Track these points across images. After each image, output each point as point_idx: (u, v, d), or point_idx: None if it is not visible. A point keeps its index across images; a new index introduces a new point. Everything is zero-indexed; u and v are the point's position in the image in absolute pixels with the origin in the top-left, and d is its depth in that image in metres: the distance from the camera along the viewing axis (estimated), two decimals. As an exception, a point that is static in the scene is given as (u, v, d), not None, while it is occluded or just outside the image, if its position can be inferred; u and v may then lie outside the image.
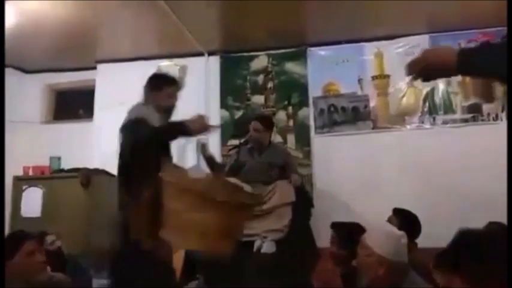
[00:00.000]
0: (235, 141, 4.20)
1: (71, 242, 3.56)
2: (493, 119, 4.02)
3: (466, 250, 1.23)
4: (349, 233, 2.48)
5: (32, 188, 4.15)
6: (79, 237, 3.75)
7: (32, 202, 4.08)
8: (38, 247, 1.95)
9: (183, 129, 2.22)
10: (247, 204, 2.02)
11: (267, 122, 3.63)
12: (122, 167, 2.32)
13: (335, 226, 2.86)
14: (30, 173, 4.35)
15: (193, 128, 2.21)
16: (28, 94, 4.79)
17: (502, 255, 1.18)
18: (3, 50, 3.11)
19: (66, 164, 4.41)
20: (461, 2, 3.64)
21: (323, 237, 3.07)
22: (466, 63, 1.19)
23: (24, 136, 4.64)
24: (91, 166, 4.14)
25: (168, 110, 2.39)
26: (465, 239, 1.28)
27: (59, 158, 4.47)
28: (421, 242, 2.74)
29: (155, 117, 2.27)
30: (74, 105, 4.93)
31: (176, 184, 1.90)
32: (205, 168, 3.16)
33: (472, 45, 4.12)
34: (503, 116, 4.00)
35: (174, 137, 2.29)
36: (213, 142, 4.40)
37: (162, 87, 2.41)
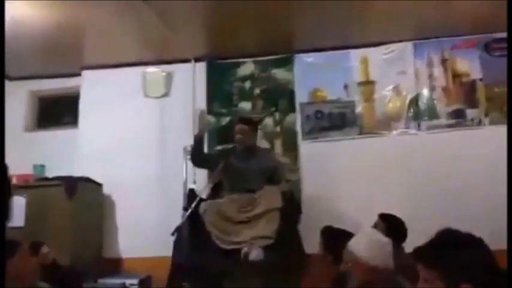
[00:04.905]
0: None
1: (56, 251, 3.49)
2: (477, 124, 4.08)
3: (447, 248, 1.26)
4: (335, 239, 2.49)
5: (15, 197, 4.06)
6: (64, 246, 3.68)
7: (16, 211, 3.99)
8: (31, 255, 1.95)
9: None
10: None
11: (250, 122, 3.61)
12: None
13: (323, 232, 2.88)
14: (14, 181, 4.26)
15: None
16: (11, 101, 4.70)
17: (480, 259, 1.21)
18: (3, 51, 3.03)
19: (50, 172, 4.33)
20: (445, 10, 3.69)
21: (311, 243, 3.07)
22: None
23: (8, 144, 4.52)
24: (76, 174, 4.08)
25: None
26: (448, 237, 1.31)
27: (43, 166, 4.40)
28: (408, 246, 2.76)
29: None
30: (58, 112, 4.87)
31: None
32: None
33: (455, 51, 4.20)
34: (487, 121, 4.06)
35: None
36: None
37: None
